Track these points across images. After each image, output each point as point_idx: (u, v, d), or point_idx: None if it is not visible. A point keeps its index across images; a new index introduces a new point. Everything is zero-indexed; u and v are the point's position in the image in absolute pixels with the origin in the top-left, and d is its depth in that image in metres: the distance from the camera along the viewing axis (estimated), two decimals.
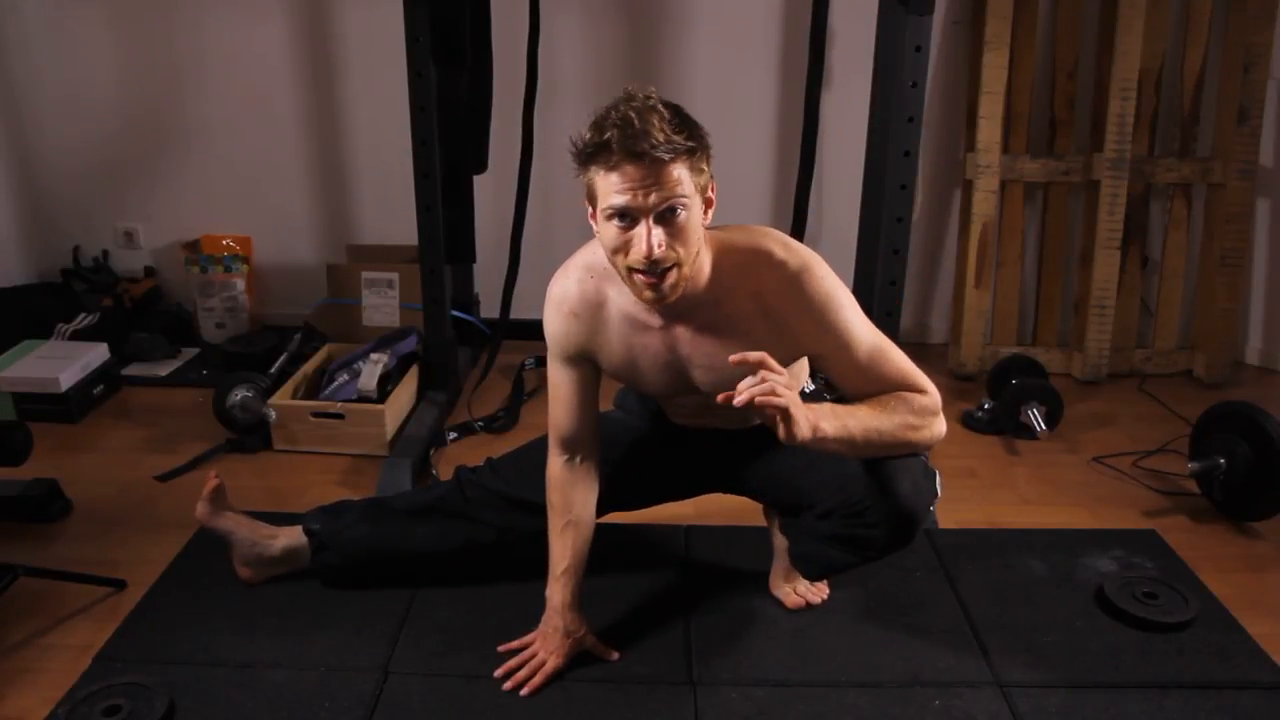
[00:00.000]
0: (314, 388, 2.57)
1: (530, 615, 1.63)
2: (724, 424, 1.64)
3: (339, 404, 2.38)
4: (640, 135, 1.21)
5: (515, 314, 2.80)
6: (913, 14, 2.11)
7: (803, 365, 1.61)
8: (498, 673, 1.56)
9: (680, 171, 1.26)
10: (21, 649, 1.65)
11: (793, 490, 1.62)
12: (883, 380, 1.41)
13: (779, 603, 1.74)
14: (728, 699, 1.53)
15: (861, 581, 1.80)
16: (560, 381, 1.53)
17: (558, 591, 1.58)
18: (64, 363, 2.56)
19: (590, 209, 1.33)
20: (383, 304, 2.91)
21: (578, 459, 1.58)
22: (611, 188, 1.25)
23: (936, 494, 1.50)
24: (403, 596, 1.76)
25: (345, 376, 2.52)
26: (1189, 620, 1.70)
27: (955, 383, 2.87)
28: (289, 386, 2.48)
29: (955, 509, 2.10)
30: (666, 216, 1.27)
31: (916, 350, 3.06)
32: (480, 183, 2.74)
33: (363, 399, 2.43)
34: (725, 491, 1.76)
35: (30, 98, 3.02)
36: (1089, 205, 2.85)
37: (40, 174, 3.11)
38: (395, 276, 2.88)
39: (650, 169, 1.23)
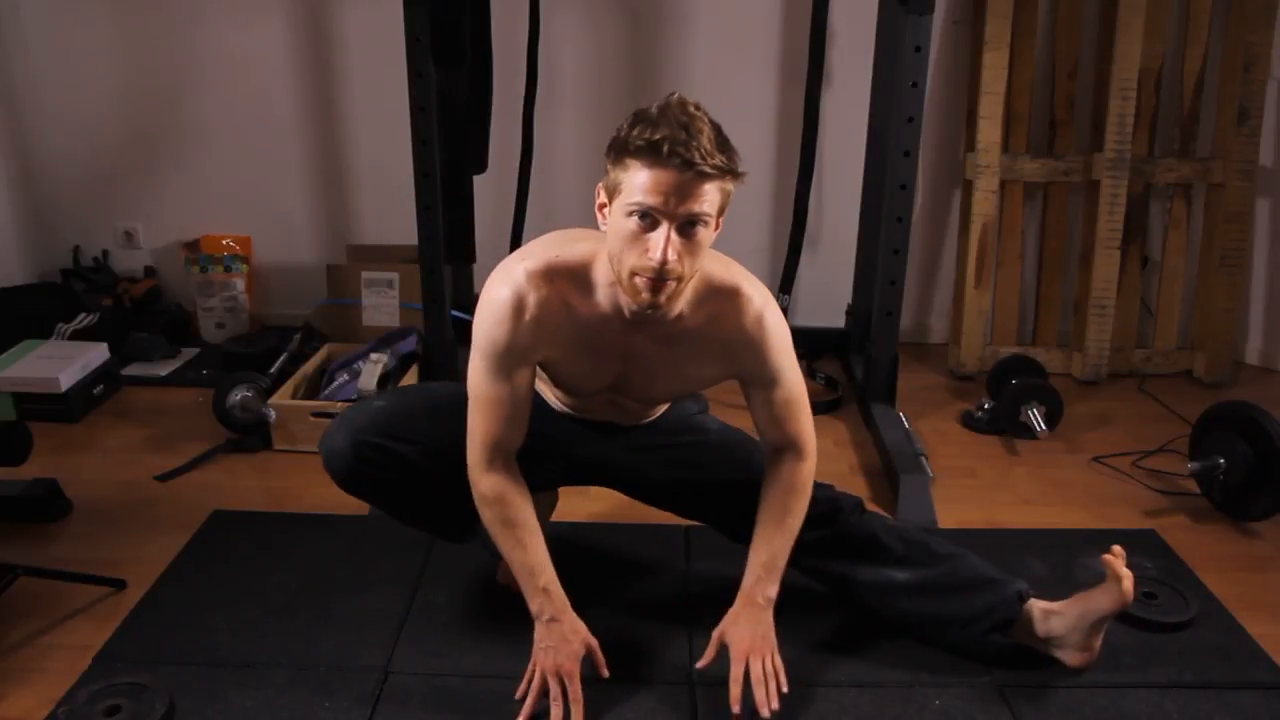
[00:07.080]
0: (314, 388, 2.57)
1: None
2: (620, 417, 1.63)
3: (339, 404, 2.38)
4: (692, 145, 1.22)
5: None
6: (913, 14, 2.12)
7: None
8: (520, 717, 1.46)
9: (712, 190, 1.27)
10: (21, 649, 1.64)
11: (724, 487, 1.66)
12: (783, 428, 1.53)
13: None
14: (727, 699, 1.52)
15: None
16: (499, 392, 1.43)
17: (552, 599, 1.48)
18: (64, 363, 2.55)
19: (603, 199, 1.33)
20: (383, 304, 2.91)
21: (501, 460, 1.47)
22: (645, 186, 1.25)
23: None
24: (403, 596, 1.76)
25: (345, 376, 2.52)
26: (1189, 620, 1.70)
27: (955, 383, 2.87)
28: (289, 386, 2.47)
29: (955, 509, 2.10)
30: (686, 229, 1.28)
31: (916, 350, 3.10)
32: (480, 183, 2.74)
33: (363, 399, 2.43)
34: (611, 485, 1.72)
35: (30, 98, 3.02)
36: (1089, 205, 2.85)
37: (40, 174, 3.11)
38: (395, 276, 2.88)
39: (689, 180, 1.24)
